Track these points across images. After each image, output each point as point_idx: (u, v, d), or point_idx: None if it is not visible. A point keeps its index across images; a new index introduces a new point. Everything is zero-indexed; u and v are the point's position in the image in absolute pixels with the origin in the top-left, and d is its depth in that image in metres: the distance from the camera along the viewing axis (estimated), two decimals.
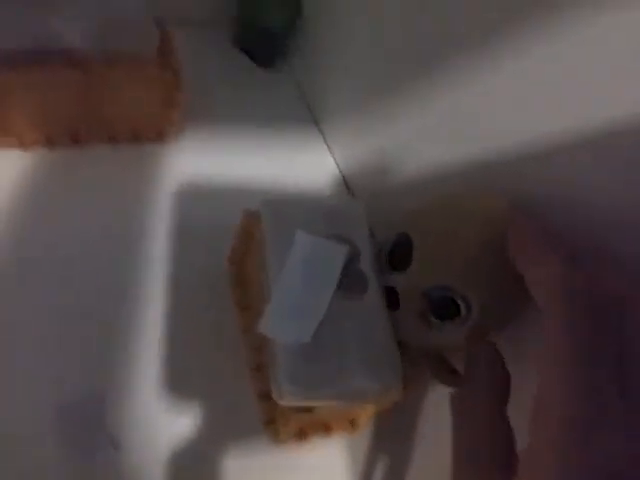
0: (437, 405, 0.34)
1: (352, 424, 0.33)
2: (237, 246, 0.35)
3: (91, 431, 0.30)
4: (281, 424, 0.30)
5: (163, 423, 0.32)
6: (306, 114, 0.54)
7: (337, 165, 0.51)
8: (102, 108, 0.38)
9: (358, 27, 0.45)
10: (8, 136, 0.38)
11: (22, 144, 0.39)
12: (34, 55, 0.34)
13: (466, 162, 0.34)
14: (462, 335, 0.28)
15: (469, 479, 0.22)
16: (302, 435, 0.31)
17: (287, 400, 0.26)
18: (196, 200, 0.42)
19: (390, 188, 0.43)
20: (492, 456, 0.21)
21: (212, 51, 0.55)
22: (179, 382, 0.33)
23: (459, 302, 0.27)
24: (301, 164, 0.49)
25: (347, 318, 0.27)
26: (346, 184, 0.49)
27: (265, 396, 0.30)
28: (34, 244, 0.35)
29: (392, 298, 0.30)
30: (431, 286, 0.28)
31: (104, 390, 0.32)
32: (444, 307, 0.28)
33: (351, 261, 0.29)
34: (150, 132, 0.42)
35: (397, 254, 0.31)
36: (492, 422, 0.22)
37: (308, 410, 0.28)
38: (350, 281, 0.28)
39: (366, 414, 0.32)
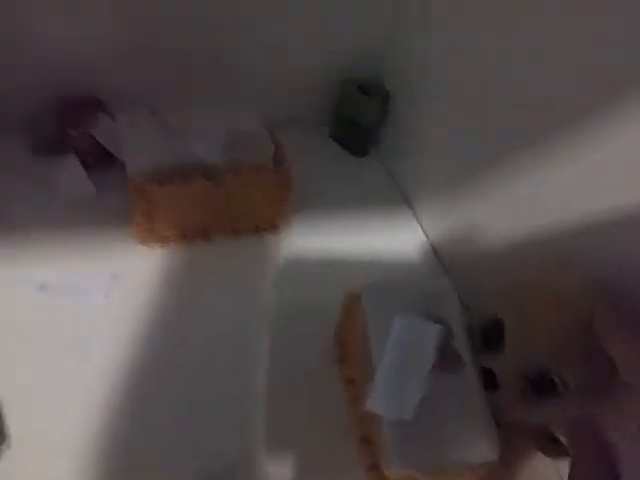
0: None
1: None
2: (341, 325, 0.40)
3: None
4: None
5: None
6: (397, 195, 0.60)
7: (429, 240, 0.55)
8: (228, 209, 0.46)
9: (443, 117, 0.51)
10: (152, 235, 0.46)
11: (163, 241, 0.47)
12: (175, 170, 0.43)
13: (552, 238, 0.37)
14: (561, 410, 0.30)
15: None
16: None
17: (395, 471, 0.29)
18: (303, 281, 0.48)
19: (479, 260, 0.47)
20: None
21: (312, 144, 0.63)
22: (290, 450, 0.37)
23: (556, 380, 0.30)
24: (395, 241, 0.54)
25: (445, 394, 0.31)
26: (438, 258, 0.53)
27: (372, 467, 0.34)
28: (175, 326, 0.42)
29: (490, 378, 0.33)
30: (528, 367, 0.31)
31: (234, 456, 0.36)
32: (542, 385, 0.30)
33: (445, 340, 0.33)
34: (266, 224, 0.50)
35: (490, 335, 0.34)
36: None
37: None
38: (445, 359, 0.32)
39: None
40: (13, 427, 0.35)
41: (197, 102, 0.46)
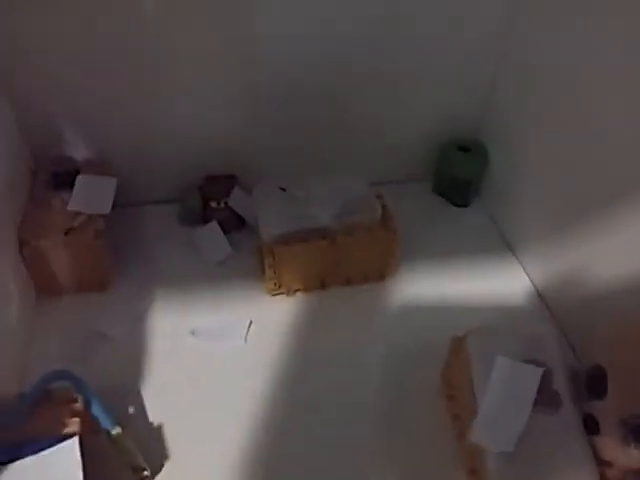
0: None
1: None
2: (448, 366, 0.44)
3: None
4: None
5: None
6: (500, 242, 0.63)
7: (533, 284, 0.57)
8: (342, 263, 0.53)
9: (540, 166, 0.55)
10: (280, 287, 0.54)
11: (289, 292, 0.54)
12: (298, 233, 0.50)
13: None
14: None
15: None
16: None
17: None
18: (412, 324, 0.53)
19: (585, 303, 0.49)
20: None
21: (417, 198, 0.68)
22: None
23: None
24: (499, 286, 0.57)
25: (545, 432, 0.34)
26: (543, 301, 0.55)
27: None
28: (300, 365, 0.49)
29: (591, 423, 0.35)
30: (628, 414, 0.33)
31: None
32: None
33: (546, 381, 0.36)
34: (375, 275, 0.56)
35: (593, 382, 0.36)
36: None
37: None
38: (545, 399, 0.35)
39: None
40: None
41: (316, 175, 0.54)
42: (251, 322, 0.52)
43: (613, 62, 0.42)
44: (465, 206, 0.67)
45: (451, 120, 0.65)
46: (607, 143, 0.44)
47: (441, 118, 0.65)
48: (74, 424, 0.37)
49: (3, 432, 0.36)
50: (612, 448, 0.34)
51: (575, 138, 0.48)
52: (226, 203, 0.60)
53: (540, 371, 0.36)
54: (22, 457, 0.34)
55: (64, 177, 0.55)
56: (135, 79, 0.55)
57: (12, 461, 0.34)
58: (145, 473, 0.40)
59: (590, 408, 0.35)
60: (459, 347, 0.42)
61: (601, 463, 0.34)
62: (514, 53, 0.58)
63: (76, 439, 0.35)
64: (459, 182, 0.65)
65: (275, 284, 0.53)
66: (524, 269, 0.59)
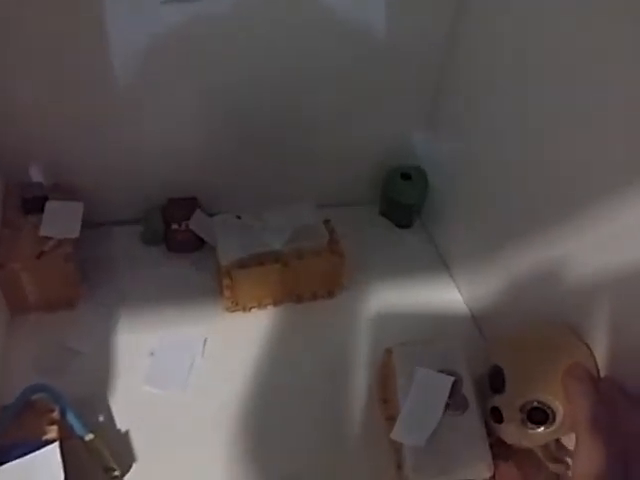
0: None
1: None
2: (381, 374, 0.51)
3: None
4: None
5: None
6: (437, 260, 0.70)
7: (464, 300, 0.65)
8: (293, 283, 0.59)
9: (471, 193, 0.61)
10: (236, 304, 0.60)
11: (244, 308, 0.60)
12: (253, 256, 0.56)
13: (551, 297, 0.47)
14: (552, 434, 0.40)
15: None
16: None
17: None
18: (355, 337, 0.59)
19: (500, 316, 0.57)
20: None
21: (364, 220, 0.75)
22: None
23: (548, 411, 0.40)
24: (434, 301, 0.64)
25: (453, 429, 0.41)
26: (472, 316, 0.63)
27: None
28: (256, 375, 0.55)
29: (497, 414, 0.43)
30: (524, 402, 0.41)
31: None
32: (537, 416, 0.41)
33: (457, 388, 0.43)
34: (323, 292, 0.62)
35: (493, 380, 0.44)
36: None
37: None
38: (455, 402, 0.43)
39: None
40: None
41: (270, 196, 0.60)
42: (206, 339, 0.58)
43: (552, 92, 0.47)
44: (408, 227, 0.75)
45: (394, 149, 0.72)
46: (540, 173, 0.49)
47: (385, 148, 0.72)
48: (53, 431, 0.42)
49: None
50: (514, 433, 0.42)
51: (506, 168, 0.54)
52: (187, 225, 0.65)
53: (451, 379, 0.43)
54: (7, 461, 0.39)
55: (33, 202, 0.59)
56: (99, 106, 0.59)
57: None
58: (115, 473, 0.45)
59: (494, 402, 0.43)
60: (389, 358, 0.49)
61: (502, 452, 0.42)
62: (450, 87, 0.64)
63: (56, 444, 0.40)
64: (401, 206, 0.72)
65: (232, 302, 0.59)
66: (456, 285, 0.67)
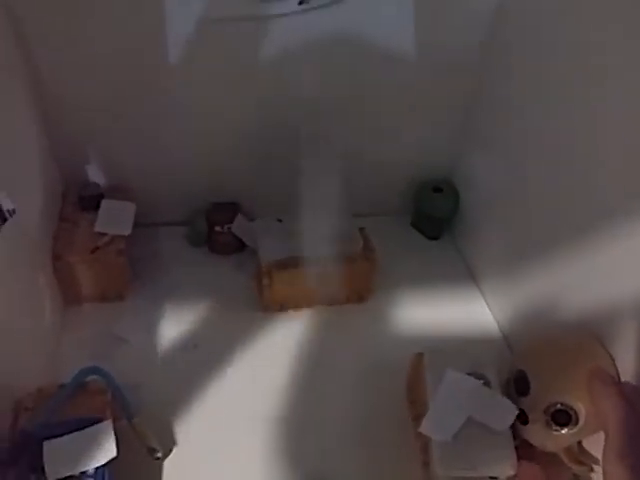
0: None
1: None
2: (410, 376, 0.54)
3: None
4: None
5: None
6: (465, 272, 0.72)
7: (491, 312, 0.67)
8: (328, 286, 0.62)
9: (505, 208, 0.63)
10: (274, 303, 0.63)
11: (282, 308, 0.64)
12: (291, 259, 0.60)
13: (577, 306, 0.49)
14: (575, 436, 0.42)
15: None
16: None
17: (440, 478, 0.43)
18: (385, 341, 0.62)
19: (527, 327, 0.58)
20: None
21: (396, 230, 0.78)
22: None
23: (571, 413, 0.42)
24: (461, 312, 0.66)
25: (479, 427, 0.43)
26: (499, 328, 0.65)
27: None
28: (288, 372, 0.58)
29: (522, 416, 0.45)
30: (548, 404, 0.43)
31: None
32: (561, 417, 0.43)
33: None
34: (355, 297, 0.65)
35: (519, 384, 0.46)
36: None
37: None
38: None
39: None
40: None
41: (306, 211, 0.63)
42: (244, 336, 0.61)
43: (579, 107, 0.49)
44: (437, 239, 0.77)
45: (427, 163, 0.75)
46: (570, 189, 0.50)
47: (418, 161, 0.75)
48: (105, 411, 0.46)
49: (49, 414, 0.44)
50: (539, 434, 0.44)
51: (536, 185, 0.56)
52: (229, 228, 0.69)
53: (480, 382, 0.45)
54: (65, 433, 0.43)
55: (90, 200, 0.64)
56: (153, 114, 0.63)
57: (57, 437, 0.43)
58: (158, 454, 0.48)
59: (520, 404, 0.45)
60: (419, 362, 0.51)
61: (527, 453, 0.44)
62: (484, 103, 0.67)
63: (110, 421, 0.44)
64: (432, 219, 0.75)
65: (270, 302, 0.62)
66: (484, 298, 0.69)
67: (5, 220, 0.45)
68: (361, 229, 0.64)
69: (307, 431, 0.53)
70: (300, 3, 0.56)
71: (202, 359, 0.58)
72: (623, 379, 0.43)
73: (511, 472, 0.42)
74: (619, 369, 0.43)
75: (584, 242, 0.49)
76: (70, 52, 0.57)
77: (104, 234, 0.61)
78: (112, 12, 0.55)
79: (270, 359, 0.59)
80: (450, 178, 0.76)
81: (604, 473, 0.37)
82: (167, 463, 0.50)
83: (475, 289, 0.70)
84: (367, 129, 0.70)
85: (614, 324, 0.44)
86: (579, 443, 0.45)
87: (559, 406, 0.42)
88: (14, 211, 0.46)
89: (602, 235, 0.46)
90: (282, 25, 0.58)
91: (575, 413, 0.42)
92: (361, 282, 0.64)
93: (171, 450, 0.50)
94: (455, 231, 0.77)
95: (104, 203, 0.63)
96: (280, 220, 0.62)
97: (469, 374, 0.46)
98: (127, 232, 0.62)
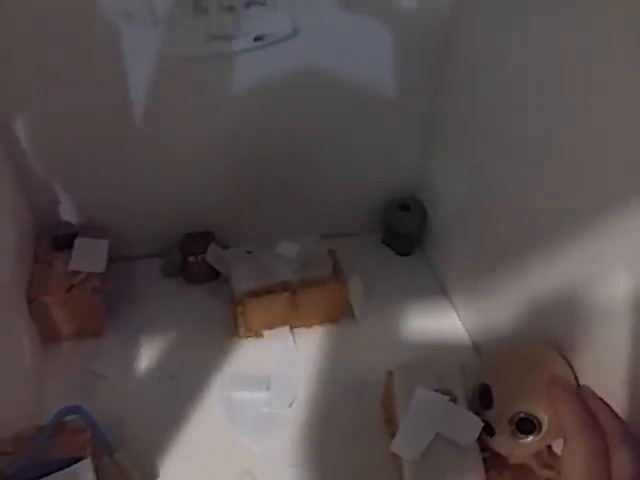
0: None
1: None
2: (384, 395, 0.55)
3: None
4: None
5: None
6: (436, 286, 0.74)
7: (462, 324, 0.69)
8: (301, 309, 0.64)
9: (470, 224, 0.65)
10: (248, 330, 0.64)
11: (256, 334, 0.65)
12: (264, 286, 0.61)
13: (537, 319, 0.52)
14: (540, 442, 0.44)
15: None
16: None
17: None
18: (360, 360, 0.63)
19: (496, 339, 0.61)
20: None
21: (366, 248, 0.79)
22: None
23: (534, 421, 0.44)
24: (433, 326, 0.68)
25: (447, 443, 0.45)
26: (471, 339, 0.67)
27: None
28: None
29: (488, 428, 0.47)
30: (512, 414, 0.45)
31: None
32: (525, 426, 0.45)
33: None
34: (330, 318, 0.67)
35: (484, 397, 0.48)
36: None
37: None
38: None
39: None
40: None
41: (276, 235, 0.64)
42: (222, 362, 0.63)
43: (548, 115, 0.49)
44: (408, 255, 0.79)
45: (393, 181, 0.78)
46: (538, 203, 0.52)
47: (384, 180, 0.77)
48: (85, 449, 0.47)
49: (29, 456, 0.45)
50: (506, 444, 0.46)
51: (502, 199, 0.58)
52: (203, 258, 0.70)
53: (446, 399, 0.47)
54: (45, 475, 0.44)
55: (63, 240, 0.65)
56: (121, 150, 0.65)
57: (38, 479, 0.44)
58: None
59: (485, 417, 0.47)
60: (390, 381, 0.53)
61: (497, 463, 0.46)
62: (446, 120, 0.69)
63: (89, 459, 0.45)
64: (401, 236, 0.77)
65: (245, 328, 0.64)
66: (455, 311, 0.71)
67: None
68: (330, 251, 0.66)
69: (286, 454, 0.55)
70: (255, 40, 0.58)
71: (180, 390, 0.59)
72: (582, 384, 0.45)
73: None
74: (578, 377, 0.46)
75: (549, 253, 0.51)
76: (34, 93, 0.58)
77: (78, 272, 0.62)
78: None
79: (246, 385, 0.60)
80: (417, 195, 0.79)
81: (563, 470, 0.39)
82: None
83: (447, 302, 0.72)
84: (334, 153, 0.72)
85: (576, 333, 0.47)
86: (549, 448, 0.47)
87: (522, 415, 0.44)
88: None
89: (567, 247, 0.48)
90: (243, 60, 0.60)
91: (538, 421, 0.44)
92: (333, 304, 0.65)
93: None
94: (425, 246, 0.79)
95: (77, 242, 0.64)
96: (249, 252, 0.64)
97: (436, 390, 0.48)
98: (101, 269, 0.63)
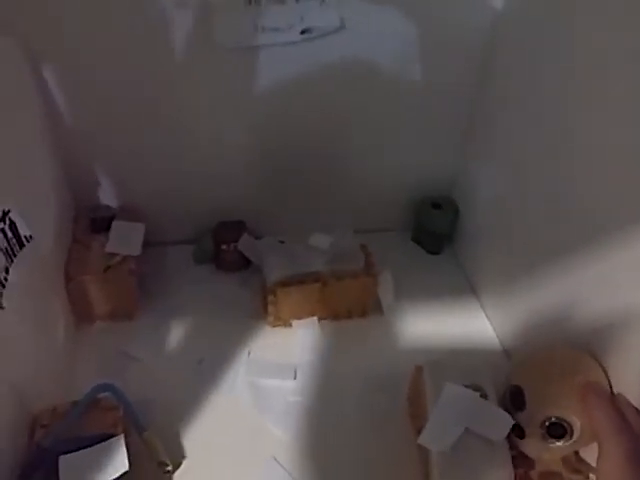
0: None
1: None
2: (411, 389, 0.55)
3: None
4: None
5: None
6: (466, 286, 0.74)
7: (491, 324, 0.68)
8: (331, 301, 0.64)
9: (505, 223, 0.65)
10: (278, 319, 0.65)
11: (285, 323, 0.66)
12: (295, 277, 0.62)
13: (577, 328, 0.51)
14: (570, 447, 0.44)
15: None
16: None
17: None
18: (386, 354, 0.64)
19: (526, 340, 0.60)
20: None
21: (397, 245, 0.79)
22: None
23: (566, 426, 0.43)
24: (461, 324, 0.68)
25: (477, 439, 0.45)
26: (497, 337, 0.66)
27: None
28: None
29: (518, 430, 0.46)
30: (544, 418, 0.44)
31: None
32: (556, 431, 0.44)
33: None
34: (358, 312, 0.67)
35: (515, 399, 0.47)
36: None
37: None
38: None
39: None
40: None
41: (308, 228, 0.65)
42: (249, 350, 0.63)
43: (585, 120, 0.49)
44: (437, 254, 0.79)
45: (426, 180, 0.77)
46: (571, 206, 0.51)
47: (417, 179, 0.77)
48: (117, 426, 0.48)
49: (63, 430, 0.47)
50: (535, 447, 0.46)
51: (535, 201, 0.58)
52: (235, 246, 0.71)
53: (477, 395, 0.47)
54: (79, 449, 0.45)
55: (101, 222, 0.66)
56: (160, 138, 0.66)
57: (72, 452, 0.45)
58: (168, 468, 0.50)
59: (516, 418, 0.46)
60: (419, 374, 0.53)
61: (524, 464, 0.46)
62: (482, 120, 0.69)
63: (122, 436, 0.46)
64: (432, 234, 0.77)
65: (275, 317, 0.64)
66: (484, 311, 0.70)
67: (23, 246, 0.47)
68: (363, 246, 0.66)
69: (311, 443, 0.55)
70: (302, 32, 0.58)
71: (208, 374, 0.60)
72: (616, 392, 0.44)
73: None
74: (612, 383, 0.45)
75: (584, 256, 0.50)
76: (79, 79, 0.60)
77: (115, 254, 0.63)
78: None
79: (273, 373, 0.61)
80: (449, 194, 0.78)
81: (597, 476, 0.38)
82: (177, 476, 0.51)
83: (476, 303, 0.72)
84: (369, 148, 0.72)
85: (610, 338, 0.46)
86: (576, 453, 0.47)
87: (554, 420, 0.44)
88: (31, 237, 0.48)
89: (602, 249, 0.47)
90: (288, 52, 0.61)
91: (570, 426, 0.43)
92: (363, 298, 0.66)
93: (180, 463, 0.52)
94: (456, 246, 0.79)
95: (115, 225, 0.66)
96: (282, 242, 0.64)
97: (467, 386, 0.48)
98: (137, 252, 0.64)
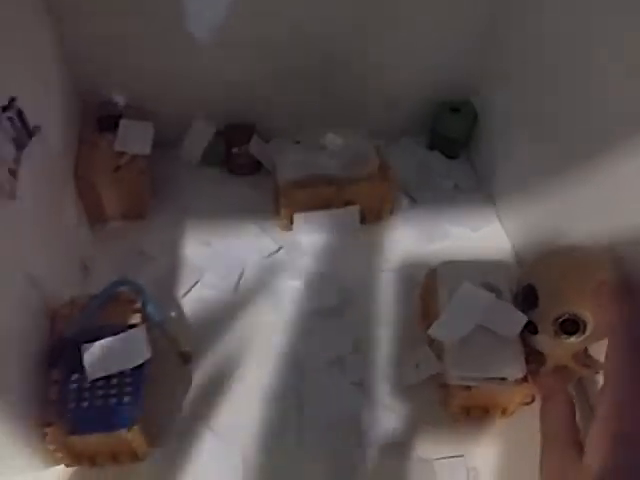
0: None
1: (503, 411, 0.50)
2: (424, 290, 0.56)
3: None
4: (450, 400, 0.49)
5: None
6: (482, 194, 0.73)
7: (504, 229, 0.68)
8: (346, 205, 0.63)
9: (523, 128, 0.63)
10: (292, 224, 0.64)
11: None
12: (309, 179, 0.61)
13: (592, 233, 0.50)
14: (582, 343, 0.45)
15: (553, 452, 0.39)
16: (465, 411, 0.49)
17: (453, 380, 0.45)
18: (400, 258, 0.64)
19: (539, 245, 0.59)
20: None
21: (413, 150, 0.77)
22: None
23: (579, 321, 0.44)
24: (476, 229, 0.68)
25: (490, 334, 0.46)
26: (510, 242, 0.66)
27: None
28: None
29: (531, 326, 0.47)
30: (558, 315, 0.45)
31: None
32: (569, 327, 0.45)
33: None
34: (373, 216, 0.66)
35: (528, 297, 0.48)
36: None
37: (468, 389, 0.47)
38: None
39: (512, 404, 0.49)
40: None
41: (325, 127, 0.63)
42: (260, 251, 0.64)
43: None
44: (454, 158, 0.77)
45: (444, 83, 0.74)
46: (587, 113, 0.50)
47: (435, 81, 0.73)
48: (137, 318, 0.49)
49: (84, 321, 0.48)
50: (548, 343, 0.46)
51: (554, 107, 0.56)
52: (246, 149, 0.69)
53: (492, 295, 0.47)
54: (100, 339, 0.46)
55: (108, 121, 0.64)
56: (170, 35, 0.63)
57: (92, 341, 0.46)
58: (188, 356, 0.52)
59: (529, 316, 0.47)
60: (433, 276, 0.53)
61: (536, 360, 0.47)
62: (504, 23, 0.65)
63: (143, 326, 0.47)
64: (449, 139, 0.75)
65: (287, 220, 0.64)
66: (499, 217, 0.70)
67: (31, 136, 0.46)
68: (377, 147, 0.64)
69: (315, 338, 0.57)
70: None
71: (222, 269, 0.61)
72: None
73: (520, 374, 0.45)
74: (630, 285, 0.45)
75: (599, 162, 0.49)
76: None
77: (124, 154, 0.62)
78: None
79: (287, 271, 0.62)
80: (468, 99, 0.75)
81: (605, 370, 0.39)
82: (196, 367, 0.53)
83: (490, 207, 0.71)
84: (386, 48, 0.68)
85: (623, 239, 0.45)
86: (585, 349, 0.48)
87: (567, 316, 0.44)
88: (39, 128, 0.47)
89: (618, 155, 0.46)
90: None
91: (583, 322, 0.44)
92: (378, 201, 0.65)
93: (198, 355, 0.54)
94: (472, 151, 0.77)
95: (123, 122, 0.64)
96: (298, 142, 0.62)
97: (482, 284, 0.48)
98: (147, 151, 0.63)
